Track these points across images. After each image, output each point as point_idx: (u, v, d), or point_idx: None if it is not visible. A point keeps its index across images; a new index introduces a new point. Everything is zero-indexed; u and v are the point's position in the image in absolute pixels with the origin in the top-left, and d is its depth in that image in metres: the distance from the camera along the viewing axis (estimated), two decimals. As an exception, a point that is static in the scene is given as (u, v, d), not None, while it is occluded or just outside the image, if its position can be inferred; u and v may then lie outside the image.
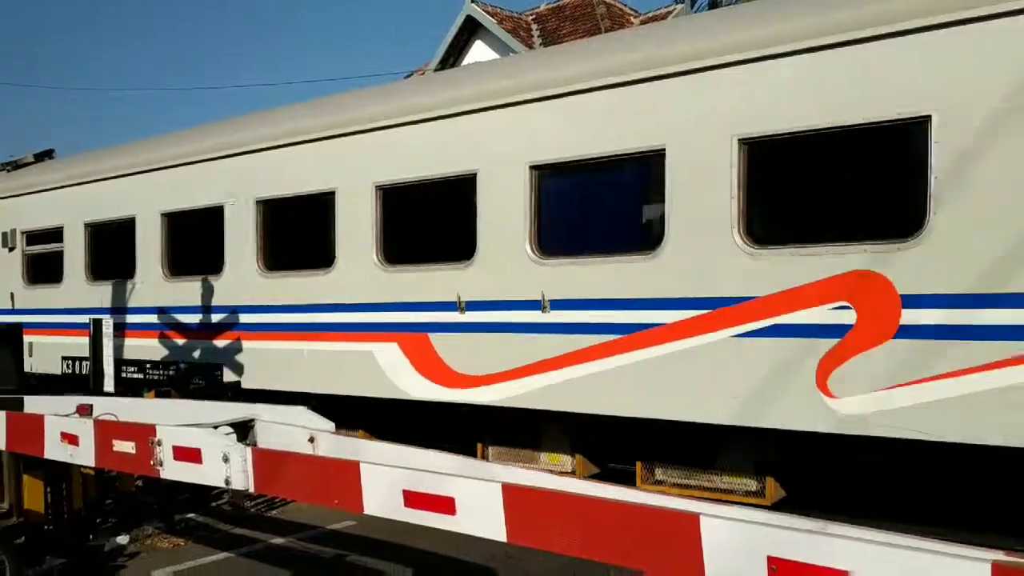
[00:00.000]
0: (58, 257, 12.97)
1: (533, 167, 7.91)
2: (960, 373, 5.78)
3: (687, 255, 7.01)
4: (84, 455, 4.93)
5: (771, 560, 2.69)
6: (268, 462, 4.09)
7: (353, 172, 9.25)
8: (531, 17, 22.33)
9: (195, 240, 11.05)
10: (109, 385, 9.46)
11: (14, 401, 6.41)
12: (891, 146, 6.34)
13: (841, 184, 6.67)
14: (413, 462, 3.96)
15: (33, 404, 6.45)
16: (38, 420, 5.28)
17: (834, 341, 6.31)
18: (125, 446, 4.64)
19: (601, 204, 7.82)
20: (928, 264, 5.94)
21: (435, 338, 8.52)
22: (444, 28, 21.44)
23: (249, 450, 4.10)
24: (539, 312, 7.78)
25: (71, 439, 4.97)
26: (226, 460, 4.12)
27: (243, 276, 10.33)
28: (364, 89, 10.16)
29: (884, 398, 6.06)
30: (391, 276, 8.92)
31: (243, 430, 4.74)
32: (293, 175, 9.87)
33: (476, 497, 3.37)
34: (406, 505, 3.57)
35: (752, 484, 7.24)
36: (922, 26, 6.02)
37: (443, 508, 3.45)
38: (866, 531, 2.75)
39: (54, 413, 5.58)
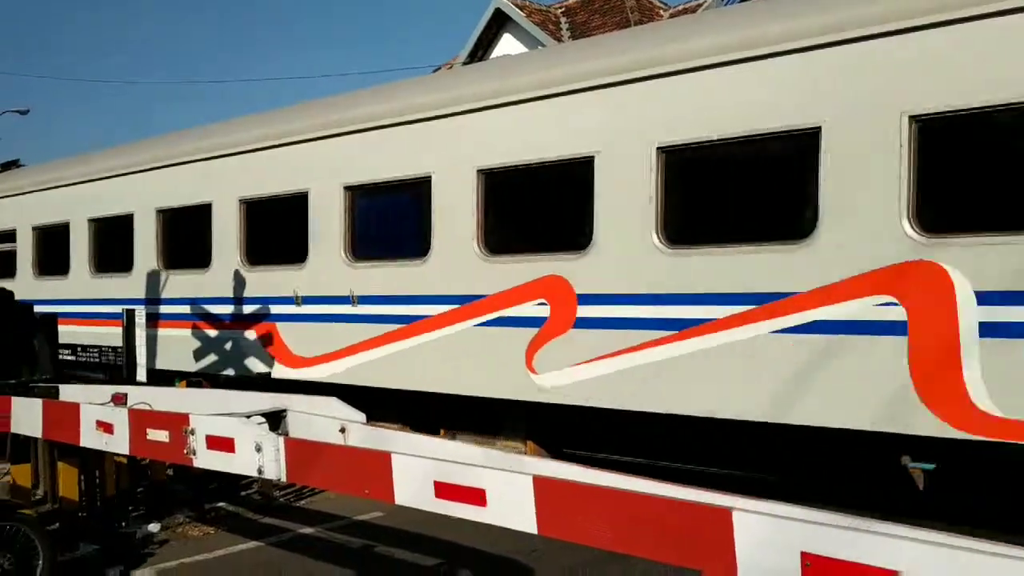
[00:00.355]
0: (14, 255, 15.03)
1: (347, 188, 9.73)
2: (615, 354, 7.55)
3: (445, 262, 8.82)
4: (119, 443, 4.99)
5: (805, 555, 2.67)
6: (300, 452, 4.13)
7: (224, 188, 11.22)
8: (560, 10, 22.26)
9: (114, 243, 13.06)
10: (141, 375, 9.58)
11: (50, 390, 6.51)
12: (571, 179, 8.02)
13: (540, 208, 8.42)
14: (444, 454, 3.98)
15: (68, 393, 6.54)
16: (74, 408, 5.35)
17: (536, 330, 8.10)
18: (159, 435, 4.69)
19: (392, 219, 9.68)
20: (595, 271, 7.70)
21: (280, 326, 10.43)
22: (473, 21, 21.38)
23: (281, 440, 4.14)
24: (350, 306, 9.58)
25: (106, 427, 5.03)
26: (259, 449, 4.15)
27: (149, 273, 12.34)
28: (235, 119, 12.12)
29: (567, 374, 7.85)
30: (251, 275, 10.88)
31: (275, 420, 4.77)
32: (183, 189, 11.83)
33: (507, 489, 3.38)
34: (437, 496, 3.58)
35: (521, 447, 8.69)
36: (585, 87, 7.84)
37: (474, 500, 3.46)
38: (902, 528, 2.72)
39: (89, 402, 5.67)
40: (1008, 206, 5.85)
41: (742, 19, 7.31)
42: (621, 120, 7.59)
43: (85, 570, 6.73)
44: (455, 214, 8.68)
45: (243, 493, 9.07)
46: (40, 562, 5.87)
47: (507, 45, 20.84)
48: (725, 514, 2.82)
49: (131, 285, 12.56)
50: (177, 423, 4.57)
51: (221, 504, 8.67)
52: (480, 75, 9.37)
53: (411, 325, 9.04)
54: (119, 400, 5.85)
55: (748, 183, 7.04)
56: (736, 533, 2.79)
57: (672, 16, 20.36)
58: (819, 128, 6.54)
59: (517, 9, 20.78)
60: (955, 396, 5.95)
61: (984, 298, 5.88)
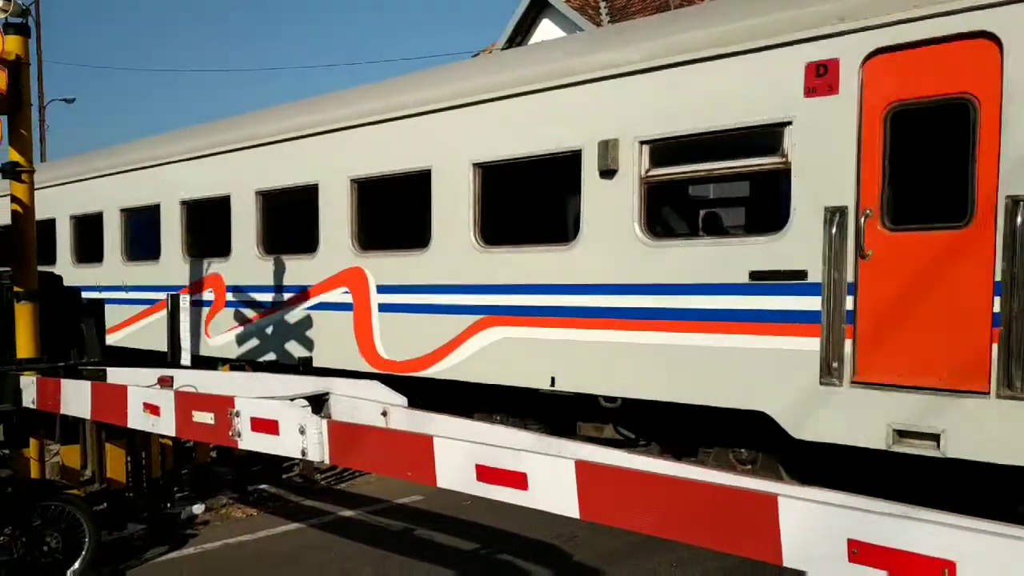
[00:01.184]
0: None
1: (122, 210, 14.15)
2: (240, 324, 11.71)
3: (166, 262, 13.12)
4: (165, 425, 5.06)
5: (852, 543, 2.64)
6: (343, 434, 4.15)
7: (59, 208, 15.30)
8: (599, -6, 22.06)
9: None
10: (186, 358, 9.72)
11: (98, 372, 6.62)
12: (222, 210, 11.94)
13: (212, 228, 12.09)
14: (486, 437, 3.98)
15: (115, 375, 6.65)
16: (121, 390, 5.43)
17: (208, 308, 12.20)
18: (204, 417, 4.74)
19: (144, 233, 13.73)
20: (233, 269, 11.80)
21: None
22: (512, 6, 21.28)
23: (325, 422, 4.16)
24: (124, 293, 13.90)
25: (153, 409, 5.10)
26: (302, 432, 4.19)
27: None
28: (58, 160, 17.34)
29: (222, 338, 12.01)
30: (79, 270, 14.84)
31: (317, 403, 4.81)
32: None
33: (549, 473, 3.36)
34: (479, 479, 3.58)
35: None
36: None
37: (516, 483, 3.46)
38: (957, 517, 2.66)
39: (136, 384, 5.76)
40: (387, 237, 10.02)
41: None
42: (240, 173, 11.65)
43: (131, 549, 6.87)
44: (172, 231, 12.92)
45: (285, 476, 9.19)
46: (86, 540, 6.00)
47: (546, 30, 20.72)
48: (771, 500, 2.79)
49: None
50: (223, 405, 4.62)
51: (263, 486, 8.79)
52: (175, 135, 13.51)
53: (151, 307, 13.30)
54: (165, 383, 5.94)
55: (298, 218, 10.90)
56: (782, 519, 2.76)
57: None
58: (317, 184, 10.53)
59: (556, -6, 20.62)
60: (371, 347, 9.89)
61: (379, 288, 9.81)
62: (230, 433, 4.57)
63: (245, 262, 11.52)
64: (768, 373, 6.84)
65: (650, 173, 7.57)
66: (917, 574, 2.50)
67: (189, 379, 5.89)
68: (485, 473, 3.56)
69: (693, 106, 7.26)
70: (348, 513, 8.00)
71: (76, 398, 5.84)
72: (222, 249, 11.90)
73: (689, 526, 2.99)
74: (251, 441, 4.50)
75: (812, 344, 6.59)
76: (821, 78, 6.61)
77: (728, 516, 2.90)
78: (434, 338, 9.17)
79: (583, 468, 3.27)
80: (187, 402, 4.93)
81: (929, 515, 2.72)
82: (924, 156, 6.50)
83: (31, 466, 6.88)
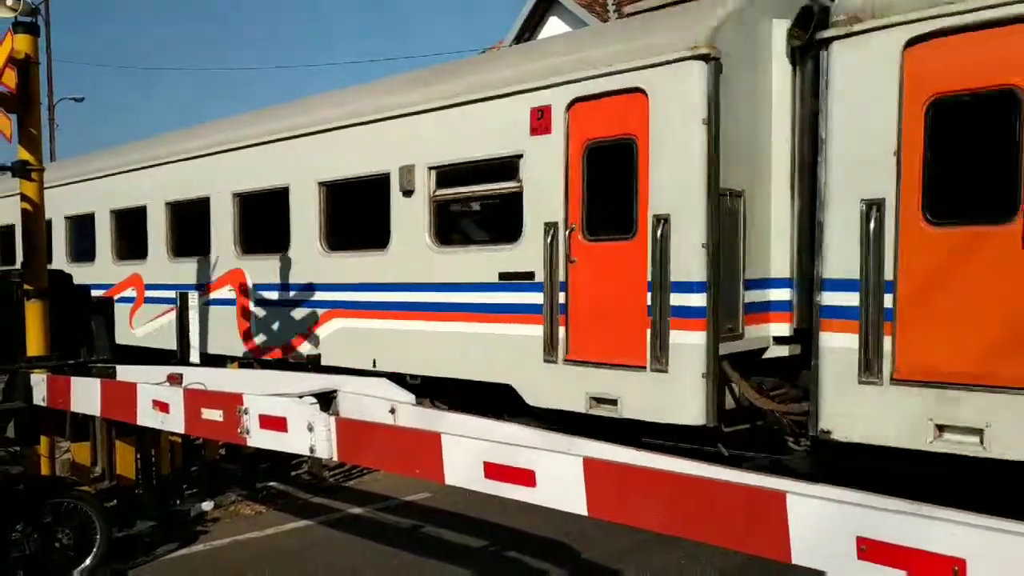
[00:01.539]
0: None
1: (66, 217, 15.75)
2: (156, 317, 13.46)
3: (100, 264, 14.84)
4: (175, 422, 5.08)
5: (860, 540, 2.63)
6: (351, 432, 4.16)
7: (16, 214, 16.40)
8: (606, -9, 21.97)
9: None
10: (195, 356, 9.74)
11: (107, 370, 6.64)
12: (138, 221, 13.88)
13: (133, 235, 14.08)
14: (494, 434, 3.98)
15: (125, 373, 6.68)
16: (131, 388, 5.46)
17: (131, 305, 13.91)
18: (213, 414, 4.77)
19: (89, 236, 15.40)
20: (150, 270, 13.63)
21: None
22: (518, 4, 21.23)
23: (333, 419, 4.18)
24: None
25: (162, 407, 5.12)
26: (310, 429, 4.20)
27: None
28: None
29: (143, 329, 13.72)
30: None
31: (325, 400, 4.82)
32: None
33: (557, 470, 3.37)
34: (486, 476, 3.59)
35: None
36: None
37: (523, 480, 3.46)
38: (966, 514, 2.65)
39: (145, 382, 5.78)
40: (260, 242, 11.65)
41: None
42: (154, 188, 13.47)
43: (141, 546, 6.89)
44: (104, 238, 14.67)
45: (293, 473, 9.21)
46: (97, 537, 6.02)
47: (553, 27, 20.65)
48: (779, 497, 2.78)
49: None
50: (231, 403, 4.64)
51: (272, 483, 8.80)
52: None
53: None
54: (174, 380, 5.96)
55: (197, 226, 12.52)
56: (790, 517, 2.76)
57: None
58: (209, 197, 12.36)
59: (563, -10, 20.53)
60: (249, 336, 11.64)
61: (256, 287, 11.60)
62: (239, 430, 4.59)
63: (158, 264, 13.41)
64: (512, 354, 8.54)
65: (436, 193, 9.38)
66: (927, 572, 2.49)
67: (198, 377, 5.92)
68: (493, 470, 3.57)
69: (462, 140, 8.99)
70: (356, 510, 8.01)
71: (86, 396, 5.87)
72: (141, 253, 13.76)
73: (697, 523, 2.98)
74: (260, 438, 4.52)
75: (539, 331, 8.29)
76: (541, 120, 8.28)
77: (736, 513, 2.90)
78: (294, 328, 11.03)
79: (591, 465, 3.27)
80: (196, 399, 4.95)
81: (939, 513, 2.70)
82: (609, 183, 7.93)
83: (42, 463, 6.91)
